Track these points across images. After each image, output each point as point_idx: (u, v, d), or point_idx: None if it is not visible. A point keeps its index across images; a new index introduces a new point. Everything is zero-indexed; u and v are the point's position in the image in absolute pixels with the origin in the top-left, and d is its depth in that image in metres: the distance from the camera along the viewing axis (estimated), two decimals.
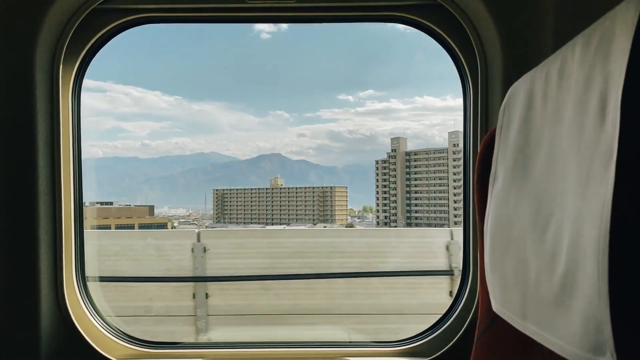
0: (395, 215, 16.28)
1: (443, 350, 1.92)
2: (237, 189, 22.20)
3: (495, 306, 1.01)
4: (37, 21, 1.77)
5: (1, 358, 1.82)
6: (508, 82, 1.68)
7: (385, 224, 16.27)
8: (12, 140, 1.80)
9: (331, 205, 19.98)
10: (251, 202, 21.56)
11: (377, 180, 17.12)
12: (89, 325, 1.97)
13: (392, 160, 17.06)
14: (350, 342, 2.12)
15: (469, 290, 1.94)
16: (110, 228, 10.79)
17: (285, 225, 18.54)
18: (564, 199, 0.76)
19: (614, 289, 0.63)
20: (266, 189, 21.39)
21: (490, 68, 1.83)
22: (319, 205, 19.96)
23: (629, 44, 0.62)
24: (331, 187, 20.29)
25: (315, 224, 18.28)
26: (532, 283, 0.85)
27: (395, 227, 15.61)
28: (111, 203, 14.06)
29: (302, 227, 14.73)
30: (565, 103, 0.78)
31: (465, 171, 1.99)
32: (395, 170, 16.89)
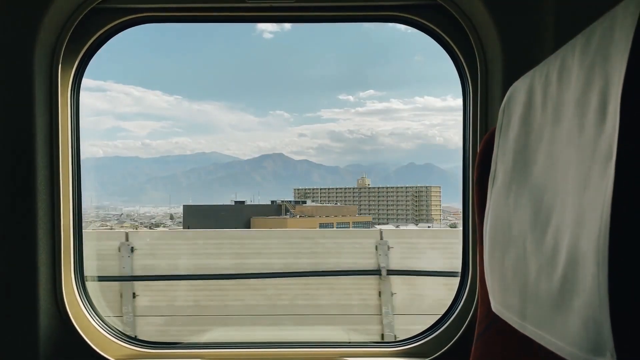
0: None
1: (442, 350, 1.91)
2: (320, 189, 22.25)
3: (495, 306, 1.01)
4: (35, 20, 1.76)
5: (0, 358, 1.82)
6: (508, 82, 1.67)
7: None
8: (11, 140, 1.79)
9: (427, 206, 19.73)
10: (336, 201, 21.43)
11: None
12: (88, 325, 1.96)
13: None
14: (349, 342, 2.12)
15: (468, 290, 1.94)
16: (332, 226, 11.67)
17: (398, 225, 18.30)
18: (563, 199, 0.76)
19: (613, 289, 0.63)
20: (353, 188, 21.21)
21: (490, 68, 1.83)
22: (414, 205, 19.71)
23: (629, 43, 0.61)
24: (426, 187, 19.87)
25: (417, 224, 18.04)
26: (531, 283, 0.84)
27: None
28: (305, 202, 14.41)
29: (413, 227, 14.72)
30: (565, 103, 0.78)
31: (465, 171, 1.98)
32: None
